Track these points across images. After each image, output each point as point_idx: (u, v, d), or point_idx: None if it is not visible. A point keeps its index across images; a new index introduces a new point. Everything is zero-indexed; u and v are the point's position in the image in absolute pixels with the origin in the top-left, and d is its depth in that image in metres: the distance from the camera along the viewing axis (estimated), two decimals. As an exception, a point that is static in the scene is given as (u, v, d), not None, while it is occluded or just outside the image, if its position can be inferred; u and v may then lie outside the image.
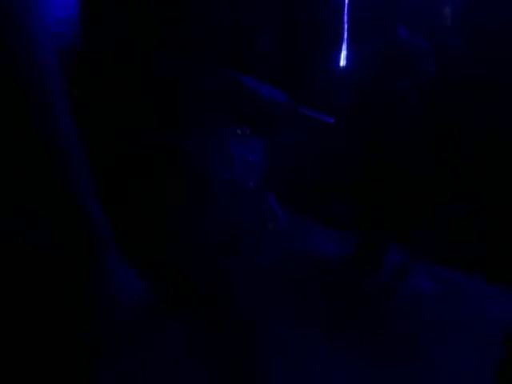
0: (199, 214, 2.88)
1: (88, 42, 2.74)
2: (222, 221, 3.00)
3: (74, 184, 0.87)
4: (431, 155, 3.00)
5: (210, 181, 2.95)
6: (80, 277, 0.97)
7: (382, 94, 2.96)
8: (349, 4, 3.46)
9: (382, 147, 2.98)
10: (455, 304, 2.92)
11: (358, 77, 3.17)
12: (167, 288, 2.63)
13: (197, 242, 2.76)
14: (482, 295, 3.12)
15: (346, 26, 3.43)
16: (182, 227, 2.84)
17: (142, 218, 2.74)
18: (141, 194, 2.65)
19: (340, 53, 3.41)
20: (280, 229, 3.11)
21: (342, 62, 3.36)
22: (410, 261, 3.13)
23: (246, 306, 2.44)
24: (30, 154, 0.76)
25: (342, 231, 3.30)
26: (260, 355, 2.04)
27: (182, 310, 2.51)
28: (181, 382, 2.01)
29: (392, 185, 3.02)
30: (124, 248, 1.06)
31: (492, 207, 3.33)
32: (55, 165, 0.84)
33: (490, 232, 3.30)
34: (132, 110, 2.62)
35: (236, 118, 3.05)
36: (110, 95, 2.72)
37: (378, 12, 3.10)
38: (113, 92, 2.70)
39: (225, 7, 3.66)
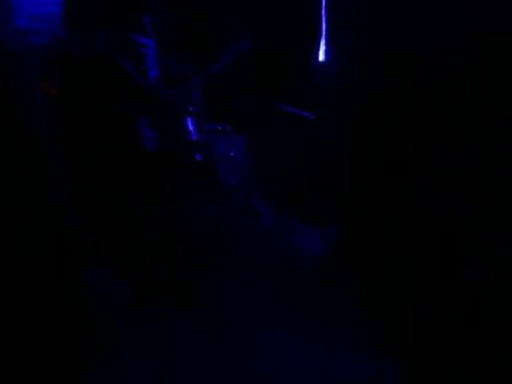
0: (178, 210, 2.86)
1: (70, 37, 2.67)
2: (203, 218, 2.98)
3: (50, 187, 0.87)
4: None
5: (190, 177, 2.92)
6: (59, 278, 0.96)
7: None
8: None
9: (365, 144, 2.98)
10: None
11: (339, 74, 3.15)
12: (147, 287, 2.61)
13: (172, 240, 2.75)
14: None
15: (324, 21, 3.42)
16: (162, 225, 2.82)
17: (123, 220, 2.69)
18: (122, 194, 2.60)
19: (319, 48, 3.40)
20: (263, 226, 3.10)
21: (321, 57, 3.35)
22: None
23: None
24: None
25: (326, 227, 3.31)
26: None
27: (161, 308, 2.50)
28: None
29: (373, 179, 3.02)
30: (104, 249, 1.04)
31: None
32: (32, 167, 0.83)
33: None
34: (114, 107, 2.55)
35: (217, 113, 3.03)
36: (91, 93, 2.67)
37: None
38: (95, 90, 2.65)
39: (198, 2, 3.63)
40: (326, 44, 3.42)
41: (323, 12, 3.44)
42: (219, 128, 3.01)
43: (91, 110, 2.63)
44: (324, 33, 3.47)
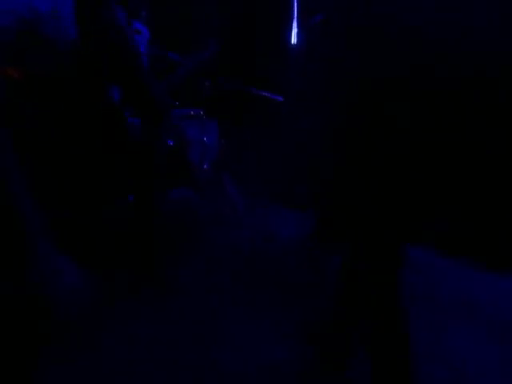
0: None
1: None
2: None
3: (3, 174, 0.85)
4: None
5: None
6: (14, 266, 0.94)
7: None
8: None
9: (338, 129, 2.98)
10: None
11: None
12: (106, 275, 2.57)
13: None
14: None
15: (295, 3, 3.39)
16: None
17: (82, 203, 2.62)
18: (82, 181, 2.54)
19: (291, 31, 3.38)
20: (237, 211, 3.09)
21: (293, 40, 3.33)
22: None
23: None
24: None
25: (304, 211, 3.33)
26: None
27: (124, 296, 2.48)
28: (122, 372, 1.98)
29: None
30: (63, 237, 1.02)
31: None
32: None
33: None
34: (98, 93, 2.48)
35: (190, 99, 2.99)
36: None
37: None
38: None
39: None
40: (298, 27, 3.41)
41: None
42: (192, 113, 2.96)
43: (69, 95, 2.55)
44: (296, 15, 3.45)
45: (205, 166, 3.02)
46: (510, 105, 1.90)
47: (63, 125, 2.57)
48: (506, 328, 2.44)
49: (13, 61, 2.61)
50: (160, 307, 2.39)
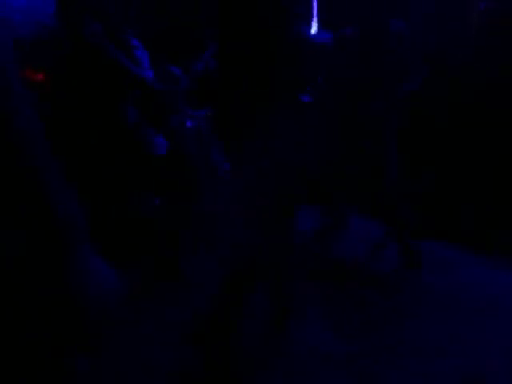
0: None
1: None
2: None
3: (40, 173, 0.88)
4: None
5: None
6: (51, 267, 0.98)
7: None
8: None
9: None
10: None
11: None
12: (142, 276, 2.70)
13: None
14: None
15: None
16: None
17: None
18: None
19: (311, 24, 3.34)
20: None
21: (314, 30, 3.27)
22: (387, 234, 3.16)
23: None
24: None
25: (309, 206, 3.37)
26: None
27: (156, 296, 2.58)
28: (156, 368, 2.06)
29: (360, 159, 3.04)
30: (99, 238, 1.07)
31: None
32: (19, 154, 0.85)
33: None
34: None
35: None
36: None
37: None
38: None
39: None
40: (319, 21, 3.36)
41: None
42: (208, 113, 3.00)
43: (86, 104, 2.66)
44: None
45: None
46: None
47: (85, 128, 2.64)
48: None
49: (31, 64, 2.70)
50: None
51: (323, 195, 3.43)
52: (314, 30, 3.34)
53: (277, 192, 1.88)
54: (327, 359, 2.11)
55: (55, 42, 2.78)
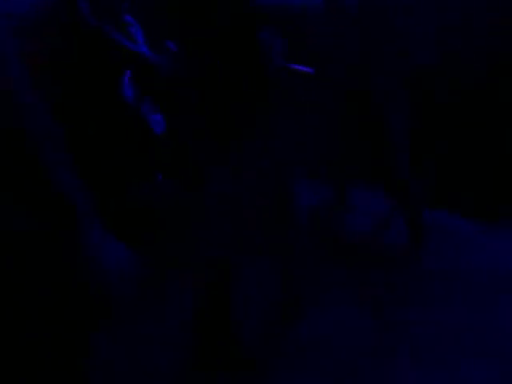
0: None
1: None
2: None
3: (52, 161, 0.88)
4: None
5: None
6: (66, 251, 0.98)
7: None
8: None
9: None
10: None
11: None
12: (157, 260, 2.69)
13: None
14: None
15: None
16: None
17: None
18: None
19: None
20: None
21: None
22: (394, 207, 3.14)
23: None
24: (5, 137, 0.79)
25: (318, 179, 3.34)
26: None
27: (172, 280, 2.58)
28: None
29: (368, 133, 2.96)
30: (113, 223, 1.06)
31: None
32: (30, 141, 0.86)
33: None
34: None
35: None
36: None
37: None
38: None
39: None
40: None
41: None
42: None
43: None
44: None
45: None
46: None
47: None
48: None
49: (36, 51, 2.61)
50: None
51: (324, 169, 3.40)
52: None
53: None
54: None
55: (52, 21, 2.68)
